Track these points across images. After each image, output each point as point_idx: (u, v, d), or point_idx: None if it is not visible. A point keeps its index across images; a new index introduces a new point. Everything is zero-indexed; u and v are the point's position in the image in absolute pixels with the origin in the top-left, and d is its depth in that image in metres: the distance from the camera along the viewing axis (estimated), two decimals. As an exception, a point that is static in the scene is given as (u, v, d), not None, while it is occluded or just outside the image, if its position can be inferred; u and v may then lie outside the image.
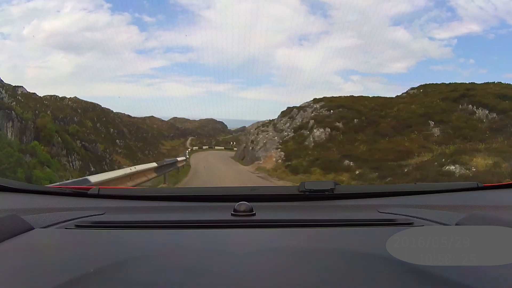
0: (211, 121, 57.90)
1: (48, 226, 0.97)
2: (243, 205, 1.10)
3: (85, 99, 33.28)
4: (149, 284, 0.61)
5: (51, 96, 30.76)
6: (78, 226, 0.98)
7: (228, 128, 58.79)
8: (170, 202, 1.40)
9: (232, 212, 1.09)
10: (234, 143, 42.82)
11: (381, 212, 1.17)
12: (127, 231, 0.98)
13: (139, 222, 1.07)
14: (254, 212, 1.08)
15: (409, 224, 0.99)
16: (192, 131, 51.27)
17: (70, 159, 20.76)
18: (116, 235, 0.94)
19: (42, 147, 18.19)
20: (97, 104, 33.74)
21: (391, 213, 1.14)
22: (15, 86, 25.46)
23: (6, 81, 25.31)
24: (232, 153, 31.00)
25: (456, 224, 0.92)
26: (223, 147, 41.31)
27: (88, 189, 1.44)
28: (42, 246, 0.83)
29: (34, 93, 27.42)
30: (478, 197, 1.41)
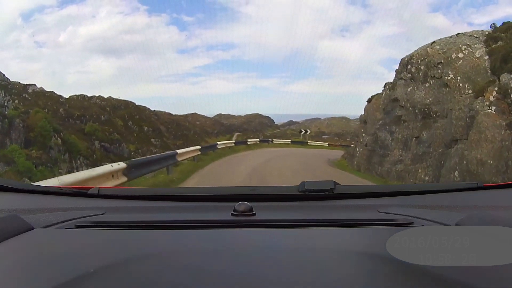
0: (257, 116, 55.70)
1: (48, 226, 0.97)
2: (243, 205, 1.10)
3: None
4: (149, 284, 0.61)
5: (77, 95, 28.59)
6: (78, 226, 0.98)
7: (275, 123, 56.47)
8: (170, 202, 1.40)
9: (232, 212, 1.09)
10: (305, 131, 37.15)
11: (381, 212, 1.17)
12: (127, 231, 0.98)
13: (139, 222, 1.07)
14: (254, 212, 1.08)
15: (409, 224, 0.99)
16: (238, 127, 48.83)
17: (75, 164, 17.75)
18: (116, 235, 0.94)
19: (34, 151, 15.25)
20: (131, 101, 31.32)
21: (391, 213, 1.14)
22: (26, 84, 23.57)
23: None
24: (326, 152, 21.16)
25: (456, 224, 0.91)
26: (289, 141, 32.23)
27: (88, 189, 1.44)
28: (42, 246, 0.83)
29: (52, 91, 25.05)
30: (478, 197, 1.41)
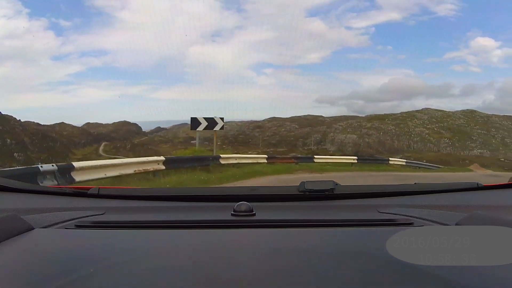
0: (125, 123, 53.77)
1: (48, 226, 0.97)
2: (243, 205, 1.10)
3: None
4: (149, 284, 0.61)
5: None
6: (78, 226, 0.98)
7: (143, 130, 54.88)
8: (170, 202, 1.40)
9: (232, 212, 1.09)
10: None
11: (381, 212, 1.17)
12: (127, 231, 0.98)
13: (139, 222, 1.07)
14: (254, 212, 1.08)
15: (409, 224, 0.99)
16: (106, 136, 46.72)
17: None
18: (116, 235, 0.94)
19: None
20: (-9, 112, 28.19)
21: (391, 213, 1.14)
22: None
23: None
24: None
25: (456, 224, 0.91)
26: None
27: (88, 189, 1.44)
28: (42, 246, 0.83)
29: None
30: (478, 197, 1.42)
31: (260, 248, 0.82)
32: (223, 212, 1.12)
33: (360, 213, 1.25)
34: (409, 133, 43.04)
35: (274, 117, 48.64)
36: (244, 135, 45.58)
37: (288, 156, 18.78)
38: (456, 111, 49.44)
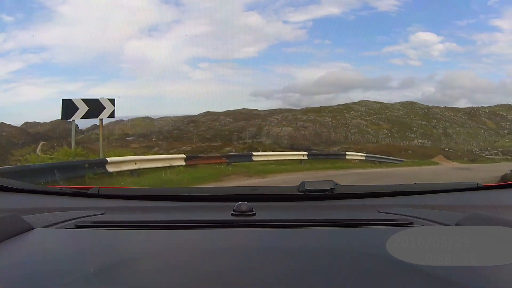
0: (63, 122, 48.72)
1: (48, 226, 0.96)
2: (243, 205, 1.10)
3: None
4: (149, 284, 0.61)
5: None
6: (78, 226, 0.98)
7: (80, 128, 53.73)
8: (170, 202, 1.40)
9: (232, 212, 1.08)
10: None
11: (381, 212, 1.17)
12: (127, 231, 0.98)
13: (139, 222, 1.07)
14: (254, 212, 1.08)
15: (409, 224, 0.99)
16: (43, 135, 43.15)
17: None
18: (116, 235, 0.93)
19: None
20: None
21: (391, 213, 1.14)
22: None
23: None
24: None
25: (456, 224, 0.91)
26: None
27: (88, 189, 1.44)
28: (42, 246, 0.83)
29: None
30: (478, 197, 1.41)
31: (260, 248, 0.82)
32: (223, 212, 1.12)
33: (360, 213, 1.25)
34: (346, 125, 42.88)
35: (209, 111, 47.69)
36: (179, 130, 44.61)
37: (217, 155, 13.73)
38: (395, 102, 49.32)
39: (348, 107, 46.69)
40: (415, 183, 1.59)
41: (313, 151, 24.76)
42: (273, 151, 20.88)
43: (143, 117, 48.80)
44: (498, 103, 52.54)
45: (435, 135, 42.95)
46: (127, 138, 39.98)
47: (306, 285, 0.61)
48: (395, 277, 0.64)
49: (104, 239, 0.89)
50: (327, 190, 1.34)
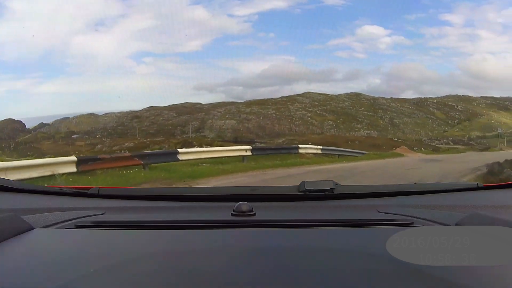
0: (10, 121, 48.87)
1: (48, 226, 0.97)
2: (243, 205, 1.10)
3: None
4: (149, 284, 0.61)
5: None
6: (78, 226, 0.98)
7: (27, 127, 50.18)
8: (170, 202, 1.40)
9: (232, 212, 1.08)
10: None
11: (381, 212, 1.17)
12: (127, 231, 0.98)
13: (139, 222, 1.07)
14: (254, 212, 1.08)
15: (409, 224, 0.99)
16: None
17: None
18: (116, 235, 0.94)
19: None
20: None
21: (391, 213, 1.14)
22: None
23: None
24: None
25: (456, 224, 0.92)
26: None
27: (88, 189, 1.44)
28: (42, 246, 0.83)
29: None
30: (478, 197, 1.41)
31: (260, 248, 0.82)
32: (223, 212, 1.12)
33: (360, 213, 1.25)
34: (290, 116, 43.23)
35: (153, 106, 47.92)
36: (123, 126, 44.47)
37: (128, 155, 9.86)
38: (340, 94, 50.19)
39: (292, 99, 46.78)
40: (415, 183, 1.59)
41: (258, 144, 22.54)
42: (210, 146, 17.43)
43: (88, 114, 48.14)
44: (447, 94, 53.46)
45: (381, 125, 43.56)
46: (73, 136, 39.06)
47: (306, 285, 0.61)
48: (395, 277, 0.64)
49: (104, 239, 0.89)
50: (327, 190, 1.34)
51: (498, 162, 9.73)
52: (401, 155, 17.76)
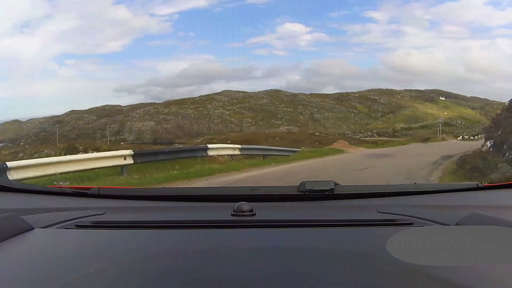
0: None
1: (48, 226, 0.97)
2: (243, 205, 1.10)
3: None
4: (149, 284, 0.61)
5: None
6: (78, 226, 0.98)
7: None
8: (170, 202, 1.40)
9: (232, 212, 1.08)
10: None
11: (381, 212, 1.17)
12: (127, 231, 0.98)
13: (139, 222, 1.06)
14: (254, 212, 1.08)
15: (409, 224, 0.99)
16: None
17: None
18: (116, 235, 0.94)
19: None
20: None
21: (391, 213, 1.14)
22: None
23: None
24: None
25: (456, 224, 0.91)
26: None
27: (88, 189, 1.44)
28: (42, 246, 0.83)
29: None
30: (478, 197, 1.41)
31: (260, 248, 0.82)
32: (223, 212, 1.12)
33: (360, 213, 1.25)
34: (209, 115, 43.09)
35: (73, 110, 47.22)
36: (45, 132, 43.61)
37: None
38: (259, 91, 50.20)
39: (210, 97, 46.69)
40: (415, 183, 1.59)
41: (177, 145, 20.02)
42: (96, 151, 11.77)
43: (12, 121, 46.84)
44: (370, 88, 54.17)
45: (302, 120, 43.84)
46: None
47: (306, 285, 0.61)
48: (395, 277, 0.64)
49: (104, 239, 0.89)
50: (327, 190, 1.34)
51: (467, 155, 9.51)
52: (341, 151, 15.10)
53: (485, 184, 1.51)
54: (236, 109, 44.70)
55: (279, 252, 0.77)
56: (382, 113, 48.49)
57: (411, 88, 55.56)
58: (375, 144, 24.22)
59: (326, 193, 1.35)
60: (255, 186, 1.51)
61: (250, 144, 14.30)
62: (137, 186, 6.96)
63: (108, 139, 38.29)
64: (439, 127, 38.25)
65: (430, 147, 17.44)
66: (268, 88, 51.75)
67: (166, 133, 39.79)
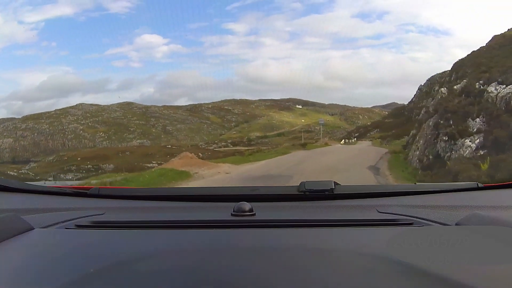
0: None
1: (48, 226, 0.97)
2: (243, 205, 1.10)
3: None
4: (149, 284, 0.61)
5: None
6: (78, 226, 0.98)
7: None
8: (170, 202, 1.40)
9: (232, 212, 1.08)
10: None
11: (381, 212, 1.17)
12: (127, 231, 0.98)
13: (139, 222, 1.06)
14: (254, 212, 1.08)
15: (409, 224, 0.99)
16: None
17: None
18: (116, 235, 0.94)
19: None
20: None
21: (391, 213, 1.14)
22: None
23: None
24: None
25: (456, 224, 0.91)
26: None
27: (88, 189, 1.44)
28: (42, 246, 0.83)
29: None
30: (478, 197, 1.41)
31: (260, 248, 0.81)
32: (223, 212, 1.12)
33: (360, 213, 1.25)
34: (63, 130, 42.16)
35: None
36: None
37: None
38: (112, 104, 50.00)
39: (65, 111, 45.91)
40: (415, 183, 1.58)
41: (32, 164, 19.53)
42: None
43: None
44: (224, 99, 54.95)
45: (154, 133, 43.98)
46: None
47: (306, 285, 0.61)
48: (395, 277, 0.64)
49: (104, 239, 0.89)
50: (327, 190, 1.34)
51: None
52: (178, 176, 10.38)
53: (485, 184, 1.51)
54: (90, 123, 43.87)
55: (279, 252, 0.77)
56: (236, 123, 48.92)
57: (266, 98, 56.06)
58: (241, 154, 18.02)
59: (326, 193, 1.35)
60: (255, 186, 1.51)
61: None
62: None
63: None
64: (320, 129, 37.30)
65: (316, 155, 13.76)
66: (121, 101, 51.28)
67: (23, 151, 38.25)
